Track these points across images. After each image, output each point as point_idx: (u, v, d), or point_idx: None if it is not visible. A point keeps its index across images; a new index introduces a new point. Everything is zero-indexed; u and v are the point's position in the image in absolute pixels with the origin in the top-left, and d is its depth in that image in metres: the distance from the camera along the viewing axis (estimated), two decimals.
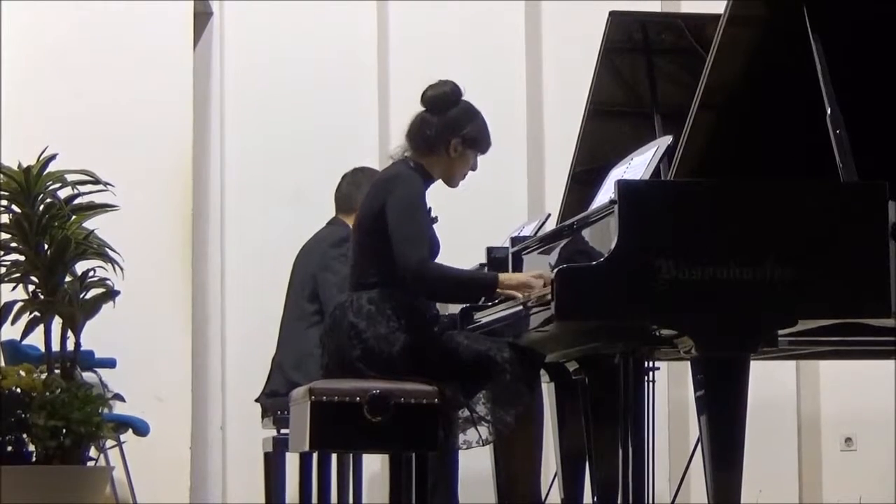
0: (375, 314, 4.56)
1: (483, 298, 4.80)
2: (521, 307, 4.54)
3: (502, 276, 4.64)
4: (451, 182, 4.80)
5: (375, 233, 4.63)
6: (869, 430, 7.45)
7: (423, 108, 4.77)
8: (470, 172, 4.85)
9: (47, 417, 5.28)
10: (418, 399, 4.44)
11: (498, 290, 4.62)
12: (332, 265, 5.91)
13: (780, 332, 4.27)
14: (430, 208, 4.69)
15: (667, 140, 4.62)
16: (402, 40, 7.62)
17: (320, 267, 5.97)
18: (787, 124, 4.65)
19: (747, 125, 4.71)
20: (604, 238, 4.35)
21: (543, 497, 5.04)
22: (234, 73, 7.56)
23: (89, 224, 5.64)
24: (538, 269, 4.77)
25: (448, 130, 4.72)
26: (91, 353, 6.22)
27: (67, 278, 5.57)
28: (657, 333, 4.29)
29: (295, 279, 6.14)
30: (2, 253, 5.60)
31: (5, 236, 5.59)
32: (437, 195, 4.85)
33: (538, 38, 7.73)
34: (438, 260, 4.69)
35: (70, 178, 5.59)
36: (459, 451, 4.74)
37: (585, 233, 4.59)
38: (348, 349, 4.55)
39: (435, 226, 4.75)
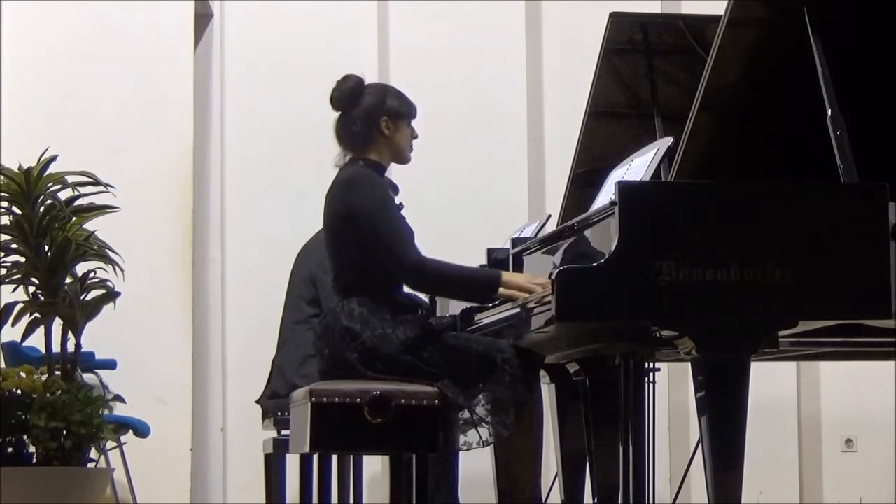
0: (369, 316, 4.55)
1: (483, 298, 4.80)
2: (521, 308, 4.54)
3: (505, 276, 4.63)
4: (402, 158, 4.78)
5: (348, 236, 4.62)
6: (869, 432, 7.46)
7: (337, 112, 4.76)
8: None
9: (48, 419, 5.28)
10: (419, 400, 4.44)
11: (501, 289, 4.62)
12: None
13: (781, 333, 4.27)
14: (392, 197, 4.70)
15: (667, 141, 4.62)
16: (402, 41, 7.62)
17: (321, 269, 5.96)
18: (787, 125, 4.65)
19: (748, 126, 4.71)
20: (604, 239, 4.35)
21: (544, 498, 5.04)
22: (235, 75, 7.56)
23: (90, 225, 5.65)
24: (540, 274, 4.76)
25: (371, 115, 4.72)
26: (91, 354, 6.22)
27: (68, 280, 5.57)
28: (657, 335, 4.29)
29: (294, 281, 6.14)
30: (2, 254, 5.60)
31: (6, 238, 5.59)
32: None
33: (538, 38, 7.73)
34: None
35: (70, 179, 5.59)
36: (460, 452, 4.74)
37: (586, 234, 4.58)
38: (345, 353, 4.54)
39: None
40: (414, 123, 4.81)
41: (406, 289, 4.74)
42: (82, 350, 5.66)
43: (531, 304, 4.46)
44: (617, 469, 4.52)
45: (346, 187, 4.65)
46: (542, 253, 5.03)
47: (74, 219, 5.58)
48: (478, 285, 4.70)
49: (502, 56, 7.64)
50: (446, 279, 4.66)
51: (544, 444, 4.77)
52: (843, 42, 4.52)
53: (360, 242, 4.59)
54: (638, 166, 4.66)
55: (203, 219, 7.44)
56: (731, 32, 4.58)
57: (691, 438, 6.84)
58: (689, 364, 4.31)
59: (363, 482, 5.98)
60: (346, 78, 4.79)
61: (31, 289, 5.56)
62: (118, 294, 5.64)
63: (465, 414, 4.52)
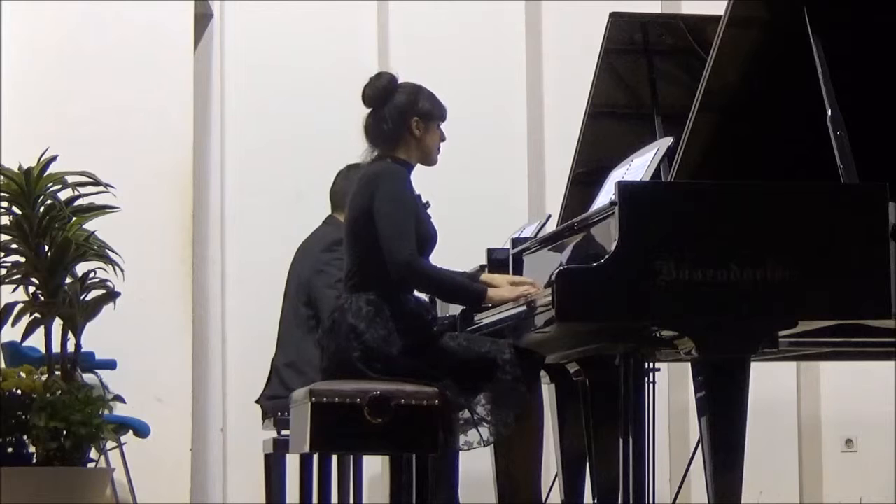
0: (375, 316, 4.56)
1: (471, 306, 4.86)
2: (521, 309, 4.54)
3: (490, 292, 4.64)
4: (430, 160, 4.78)
5: (365, 233, 4.62)
6: (869, 432, 7.45)
7: (368, 108, 4.76)
8: (443, 145, 4.82)
9: (48, 419, 5.28)
10: (419, 400, 4.44)
11: (486, 303, 4.66)
12: (326, 269, 5.89)
13: (781, 333, 4.28)
14: (419, 195, 4.69)
15: (667, 141, 4.62)
16: (402, 40, 7.62)
17: (314, 271, 5.96)
18: (787, 125, 4.65)
19: (748, 126, 4.71)
20: (604, 239, 4.35)
21: (544, 498, 5.04)
22: (235, 75, 7.56)
23: (90, 226, 5.64)
24: (540, 273, 4.76)
25: (403, 115, 4.71)
26: (91, 354, 6.22)
27: (68, 280, 5.57)
28: (657, 335, 4.29)
29: (291, 283, 6.13)
30: (2, 255, 5.60)
31: (6, 238, 5.58)
32: (438, 197, 4.85)
33: (538, 38, 7.73)
34: (437, 248, 4.71)
35: (70, 179, 5.58)
36: (460, 452, 4.74)
37: (586, 234, 4.58)
38: (348, 350, 4.55)
39: (436, 225, 4.75)
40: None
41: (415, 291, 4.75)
42: (82, 350, 5.66)
43: (532, 305, 4.47)
44: (617, 469, 4.52)
45: (371, 183, 4.64)
46: (542, 253, 5.03)
47: (74, 219, 5.58)
48: (461, 296, 4.77)
49: (502, 56, 7.64)
50: (432, 283, 4.69)
51: (544, 444, 4.78)
52: (843, 42, 4.52)
53: (373, 240, 4.59)
54: (638, 166, 4.66)
55: (203, 219, 7.44)
56: (731, 32, 4.58)
57: (691, 438, 6.84)
58: (689, 364, 4.31)
59: (363, 482, 5.97)
60: (380, 75, 4.79)
61: (32, 289, 5.56)
62: (118, 294, 5.64)
63: (466, 414, 4.53)
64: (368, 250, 4.62)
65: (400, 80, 4.77)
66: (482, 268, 5.52)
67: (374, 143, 4.75)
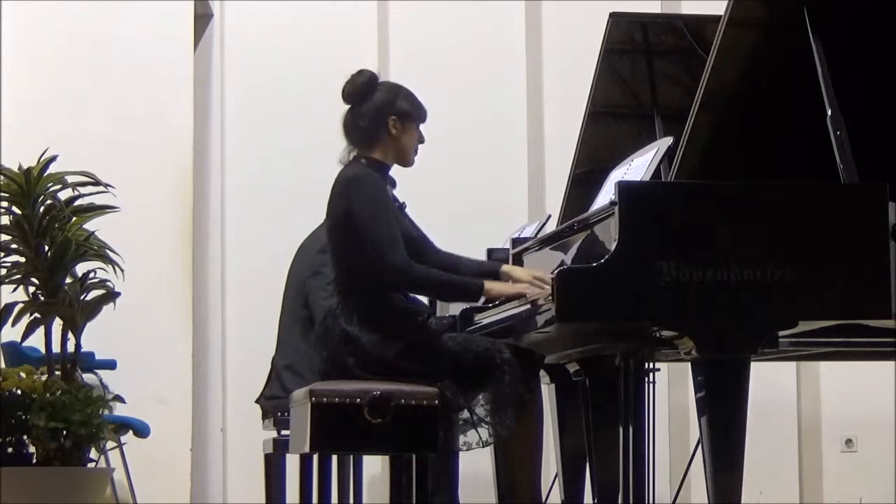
0: (367, 320, 4.55)
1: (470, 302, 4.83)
2: (521, 309, 4.54)
3: (488, 285, 4.61)
4: (405, 160, 4.74)
5: (346, 239, 4.61)
6: (869, 432, 7.46)
7: (347, 106, 4.75)
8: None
9: (48, 419, 5.28)
10: (418, 401, 4.44)
11: (484, 297, 4.63)
12: (321, 270, 5.88)
13: (781, 333, 4.28)
14: (394, 196, 4.68)
15: (667, 141, 4.62)
16: (402, 41, 7.62)
17: (310, 272, 5.96)
18: (787, 125, 4.65)
19: (748, 126, 4.71)
20: (604, 239, 4.35)
21: (544, 498, 5.04)
22: (235, 75, 7.56)
23: (89, 226, 5.64)
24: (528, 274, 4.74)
25: (380, 112, 4.69)
26: (91, 354, 6.22)
27: (68, 280, 5.57)
28: (658, 335, 4.29)
29: (290, 284, 6.12)
30: (2, 255, 5.60)
31: (6, 238, 5.59)
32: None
33: (538, 38, 7.73)
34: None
35: (70, 179, 5.59)
36: (460, 452, 4.74)
37: (586, 234, 4.58)
38: (343, 355, 4.54)
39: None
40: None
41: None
42: (82, 350, 5.66)
43: (531, 305, 4.46)
44: (617, 469, 4.52)
45: (345, 188, 4.64)
46: (542, 253, 5.03)
47: (74, 219, 5.58)
48: (461, 295, 4.74)
49: (502, 56, 7.64)
50: (429, 288, 4.69)
51: (544, 444, 4.77)
52: (843, 42, 4.52)
53: (358, 244, 4.58)
54: (638, 166, 4.66)
55: (203, 219, 7.44)
56: (731, 32, 4.58)
57: (691, 438, 6.84)
58: (689, 364, 4.31)
59: (363, 482, 5.97)
60: (361, 72, 4.77)
61: (31, 289, 5.56)
62: (118, 294, 5.64)
63: (465, 414, 4.53)
64: (352, 254, 4.61)
65: (381, 80, 4.77)
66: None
67: (351, 141, 4.74)
